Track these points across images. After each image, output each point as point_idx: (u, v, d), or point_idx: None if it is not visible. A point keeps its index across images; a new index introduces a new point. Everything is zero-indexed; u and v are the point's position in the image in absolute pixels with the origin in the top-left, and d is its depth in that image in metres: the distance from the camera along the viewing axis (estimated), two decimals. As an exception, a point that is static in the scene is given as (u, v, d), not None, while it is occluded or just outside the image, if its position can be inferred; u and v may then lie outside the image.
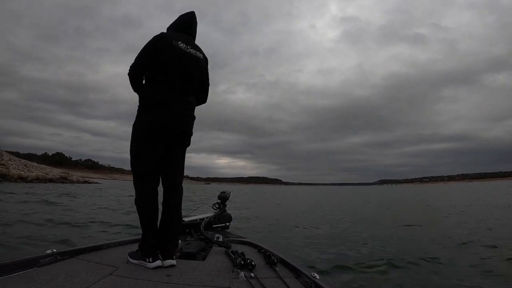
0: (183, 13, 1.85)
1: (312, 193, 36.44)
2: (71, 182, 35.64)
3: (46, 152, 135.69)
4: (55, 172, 38.41)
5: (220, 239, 2.19)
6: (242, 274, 1.32)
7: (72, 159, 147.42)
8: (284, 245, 4.20)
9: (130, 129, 1.66)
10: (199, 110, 1.83)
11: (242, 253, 1.61)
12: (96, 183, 41.65)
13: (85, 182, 39.05)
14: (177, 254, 1.78)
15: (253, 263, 1.43)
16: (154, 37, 1.66)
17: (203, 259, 1.69)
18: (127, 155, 1.67)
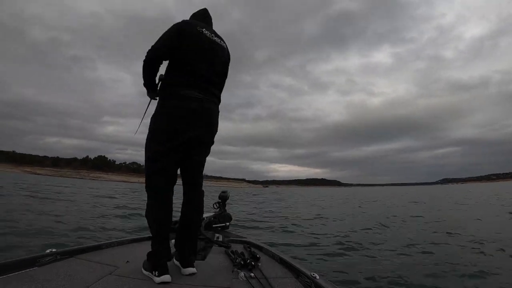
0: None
1: (404, 195, 27.53)
2: None
3: (88, 156, 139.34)
4: None
5: (220, 239, 2.19)
6: (242, 274, 1.32)
7: (116, 163, 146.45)
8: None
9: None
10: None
11: (242, 253, 1.61)
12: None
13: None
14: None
15: (253, 263, 1.43)
16: (176, 23, 1.50)
17: (203, 259, 1.69)
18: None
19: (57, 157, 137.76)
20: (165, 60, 1.51)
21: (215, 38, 1.59)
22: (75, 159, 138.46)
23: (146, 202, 1.45)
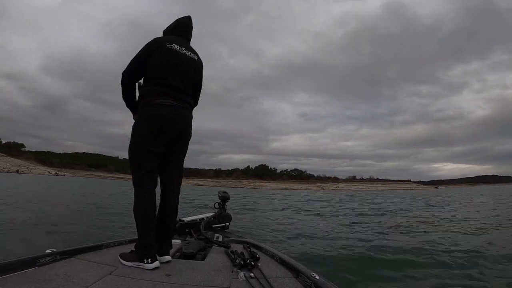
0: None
1: None
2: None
3: (248, 166, 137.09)
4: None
5: (220, 239, 2.19)
6: (241, 274, 1.32)
7: (278, 171, 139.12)
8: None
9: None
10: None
11: (242, 253, 1.61)
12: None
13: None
14: (177, 254, 1.78)
15: (252, 263, 1.43)
16: (147, 43, 1.67)
17: (203, 259, 1.69)
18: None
19: (219, 168, 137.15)
20: (139, 80, 1.70)
21: (185, 51, 1.74)
22: (236, 169, 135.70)
23: (134, 200, 1.57)
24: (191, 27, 1.87)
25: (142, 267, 1.42)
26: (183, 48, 1.73)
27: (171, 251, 1.74)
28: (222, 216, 2.75)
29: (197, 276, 1.34)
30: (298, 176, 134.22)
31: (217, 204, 2.91)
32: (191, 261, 1.66)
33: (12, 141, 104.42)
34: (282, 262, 1.54)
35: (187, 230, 2.37)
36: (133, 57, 1.67)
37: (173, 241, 1.92)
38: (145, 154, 1.58)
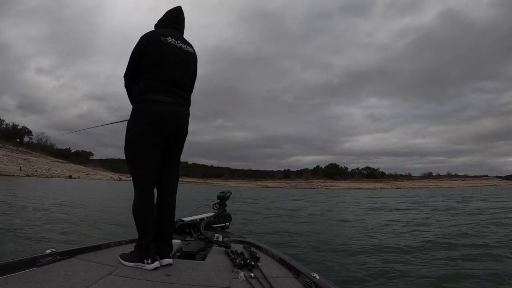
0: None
1: None
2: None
3: (318, 165, 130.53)
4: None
5: (220, 239, 2.19)
6: (241, 274, 1.32)
7: (348, 170, 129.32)
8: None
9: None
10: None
11: (242, 253, 1.61)
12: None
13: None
14: (177, 254, 1.78)
15: (253, 263, 1.43)
16: (140, 38, 1.63)
17: (203, 259, 1.69)
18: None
19: (288, 169, 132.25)
20: (139, 75, 1.64)
21: (181, 44, 1.69)
22: (305, 170, 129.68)
23: (134, 200, 1.55)
24: (183, 18, 1.80)
25: (142, 267, 1.42)
26: (178, 42, 1.67)
27: (172, 252, 1.74)
28: (222, 216, 2.75)
29: (197, 276, 1.34)
30: (370, 174, 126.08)
31: (216, 204, 2.90)
32: (191, 261, 1.65)
33: (81, 150, 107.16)
34: (282, 262, 1.54)
35: (187, 230, 2.36)
36: (129, 57, 1.63)
37: (173, 241, 1.92)
38: (143, 154, 1.54)
